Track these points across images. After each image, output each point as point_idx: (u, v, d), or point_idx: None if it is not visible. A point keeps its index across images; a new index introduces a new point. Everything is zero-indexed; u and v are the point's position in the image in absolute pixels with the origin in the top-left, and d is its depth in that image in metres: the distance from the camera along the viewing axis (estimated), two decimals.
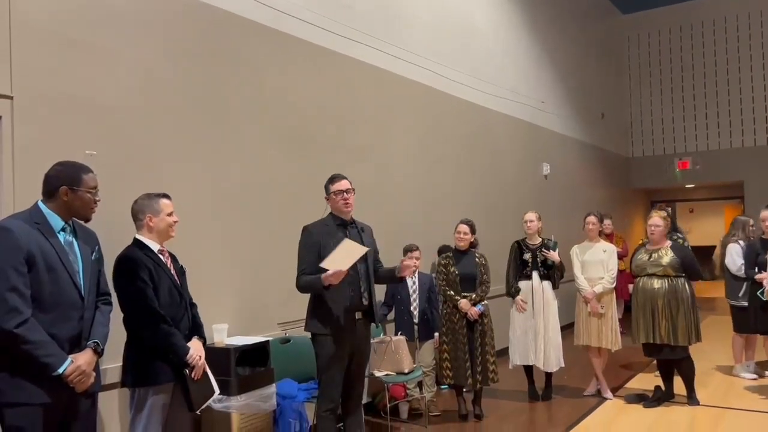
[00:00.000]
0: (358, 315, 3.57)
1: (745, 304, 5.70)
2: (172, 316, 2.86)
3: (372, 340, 4.11)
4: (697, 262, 5.11)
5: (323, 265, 3.33)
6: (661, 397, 5.14)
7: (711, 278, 12.92)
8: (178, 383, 2.86)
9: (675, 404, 5.11)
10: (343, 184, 3.58)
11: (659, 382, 5.26)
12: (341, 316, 3.48)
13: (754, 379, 5.89)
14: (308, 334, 3.71)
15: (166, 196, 3.00)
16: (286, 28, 4.63)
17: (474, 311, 4.78)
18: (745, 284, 5.71)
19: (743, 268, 5.71)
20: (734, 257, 5.87)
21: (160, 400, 2.82)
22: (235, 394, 3.56)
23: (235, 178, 4.16)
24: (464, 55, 7.08)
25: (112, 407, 3.31)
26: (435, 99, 6.45)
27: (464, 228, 4.94)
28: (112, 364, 3.14)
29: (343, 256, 3.34)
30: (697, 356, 5.28)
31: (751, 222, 6.06)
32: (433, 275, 5.31)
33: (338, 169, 3.89)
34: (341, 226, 3.60)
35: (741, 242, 5.90)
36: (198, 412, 2.96)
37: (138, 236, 2.93)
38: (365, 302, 3.58)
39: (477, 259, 4.95)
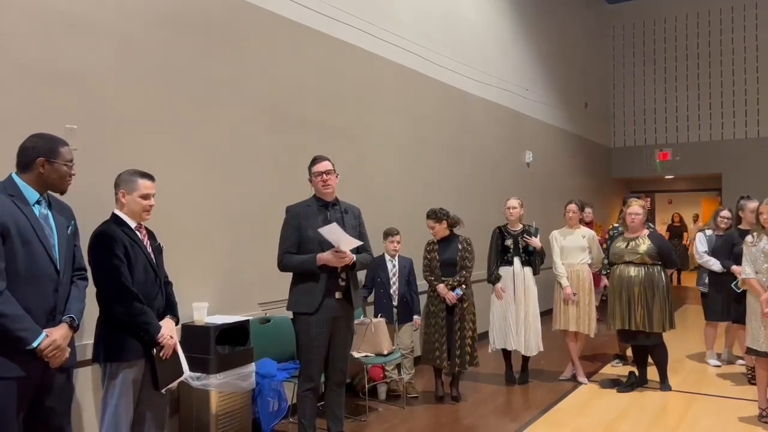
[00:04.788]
0: (338, 295, 3.58)
1: (706, 290, 5.88)
2: (146, 293, 2.83)
3: None
4: (674, 251, 5.18)
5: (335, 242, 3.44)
6: (634, 383, 5.24)
7: (685, 268, 13.13)
8: (148, 361, 2.83)
9: (648, 389, 5.21)
10: (322, 166, 3.58)
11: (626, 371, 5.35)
12: (321, 296, 3.51)
13: (718, 366, 6.01)
14: (288, 314, 3.71)
15: (149, 177, 2.92)
16: (270, 6, 4.56)
17: (451, 296, 4.80)
18: (708, 272, 5.81)
19: (704, 255, 5.78)
20: (697, 245, 5.96)
21: (130, 375, 2.80)
22: (214, 373, 3.56)
23: (216, 155, 4.12)
24: (451, 40, 7.05)
25: (86, 383, 3.28)
26: (420, 83, 6.42)
27: (429, 223, 4.94)
28: (88, 341, 3.11)
29: (345, 241, 3.45)
30: (671, 344, 5.38)
31: (722, 213, 6.06)
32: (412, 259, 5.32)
33: (320, 149, 3.86)
34: (323, 207, 3.61)
35: (707, 231, 5.96)
36: (164, 392, 2.92)
37: (116, 211, 2.88)
38: (342, 283, 3.59)
39: (460, 245, 4.95)
